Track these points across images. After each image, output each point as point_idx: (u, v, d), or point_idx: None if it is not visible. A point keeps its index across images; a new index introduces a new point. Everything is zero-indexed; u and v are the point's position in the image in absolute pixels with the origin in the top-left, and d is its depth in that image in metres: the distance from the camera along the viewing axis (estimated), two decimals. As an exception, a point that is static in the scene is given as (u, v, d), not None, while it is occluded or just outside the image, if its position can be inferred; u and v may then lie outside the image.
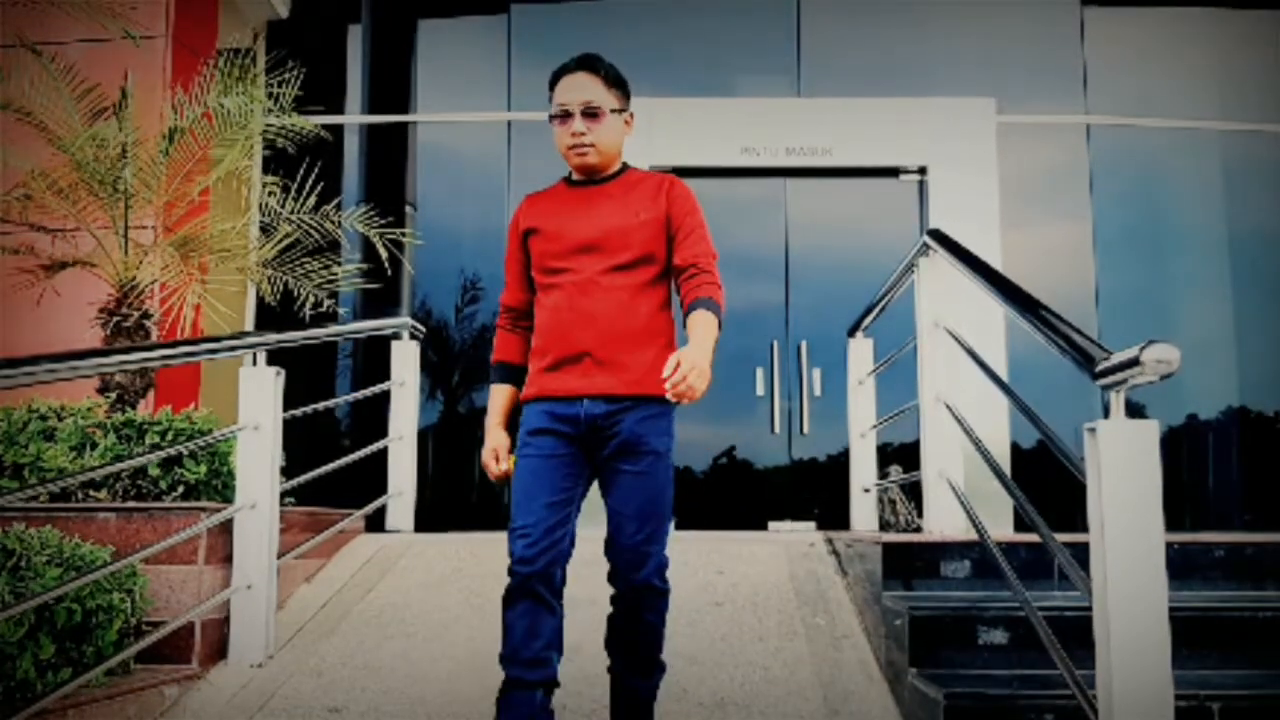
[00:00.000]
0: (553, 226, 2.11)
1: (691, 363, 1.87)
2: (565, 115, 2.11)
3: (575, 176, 2.18)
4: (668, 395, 1.86)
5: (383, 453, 3.99)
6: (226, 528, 2.85)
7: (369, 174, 6.03)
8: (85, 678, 2.29)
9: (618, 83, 2.15)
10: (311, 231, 4.60)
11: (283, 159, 5.04)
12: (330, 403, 4.23)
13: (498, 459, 2.19)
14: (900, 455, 5.09)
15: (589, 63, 2.14)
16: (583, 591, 3.17)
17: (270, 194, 4.61)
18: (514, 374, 2.23)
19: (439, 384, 5.75)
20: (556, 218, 2.12)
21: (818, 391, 5.52)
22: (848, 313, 4.22)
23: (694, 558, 3.46)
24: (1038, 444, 5.45)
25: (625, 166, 2.20)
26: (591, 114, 2.09)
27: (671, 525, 2.05)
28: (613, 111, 2.12)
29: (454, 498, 5.60)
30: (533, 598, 2.00)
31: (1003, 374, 5.06)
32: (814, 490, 5.52)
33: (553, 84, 2.17)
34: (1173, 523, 1.74)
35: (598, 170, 2.14)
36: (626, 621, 2.19)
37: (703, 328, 2.01)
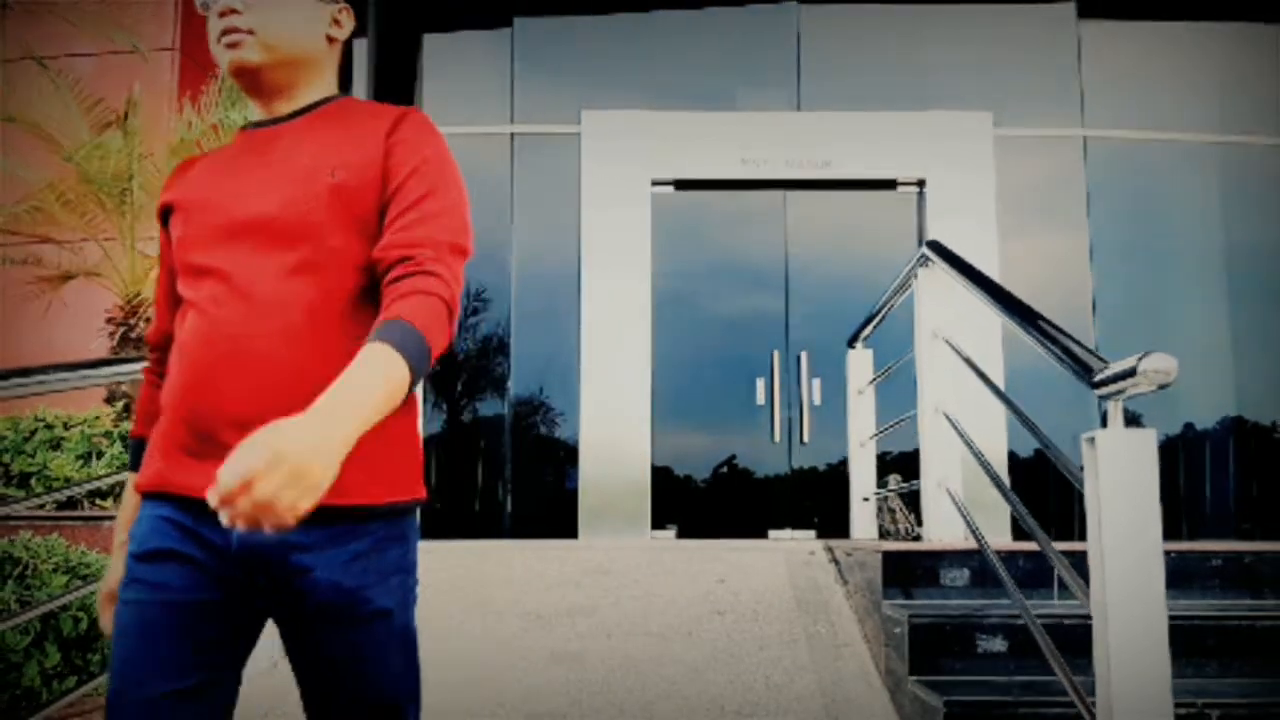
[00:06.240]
0: (196, 196, 1.22)
1: (281, 453, 0.88)
2: None
3: (255, 113, 1.28)
4: (221, 516, 0.90)
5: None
6: (231, 536, 2.86)
7: (371, 185, 6.06)
8: (90, 686, 2.30)
9: None
10: (316, 242, 4.62)
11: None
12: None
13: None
14: (900, 464, 5.11)
15: None
16: (583, 598, 3.19)
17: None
18: None
19: (442, 393, 5.78)
20: (206, 181, 1.23)
21: (817, 401, 5.54)
22: (847, 323, 4.24)
23: (695, 566, 3.48)
24: (1035, 453, 5.47)
25: (339, 96, 1.31)
26: None
27: None
28: None
29: (456, 506, 5.62)
30: None
31: (1000, 384, 5.08)
32: (814, 499, 5.53)
33: None
34: (1170, 531, 1.76)
35: (268, 86, 1.24)
36: None
37: (363, 374, 0.99)
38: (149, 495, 1.17)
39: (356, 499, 1.10)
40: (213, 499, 0.89)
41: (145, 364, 1.36)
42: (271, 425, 0.92)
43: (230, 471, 0.88)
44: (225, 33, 1.22)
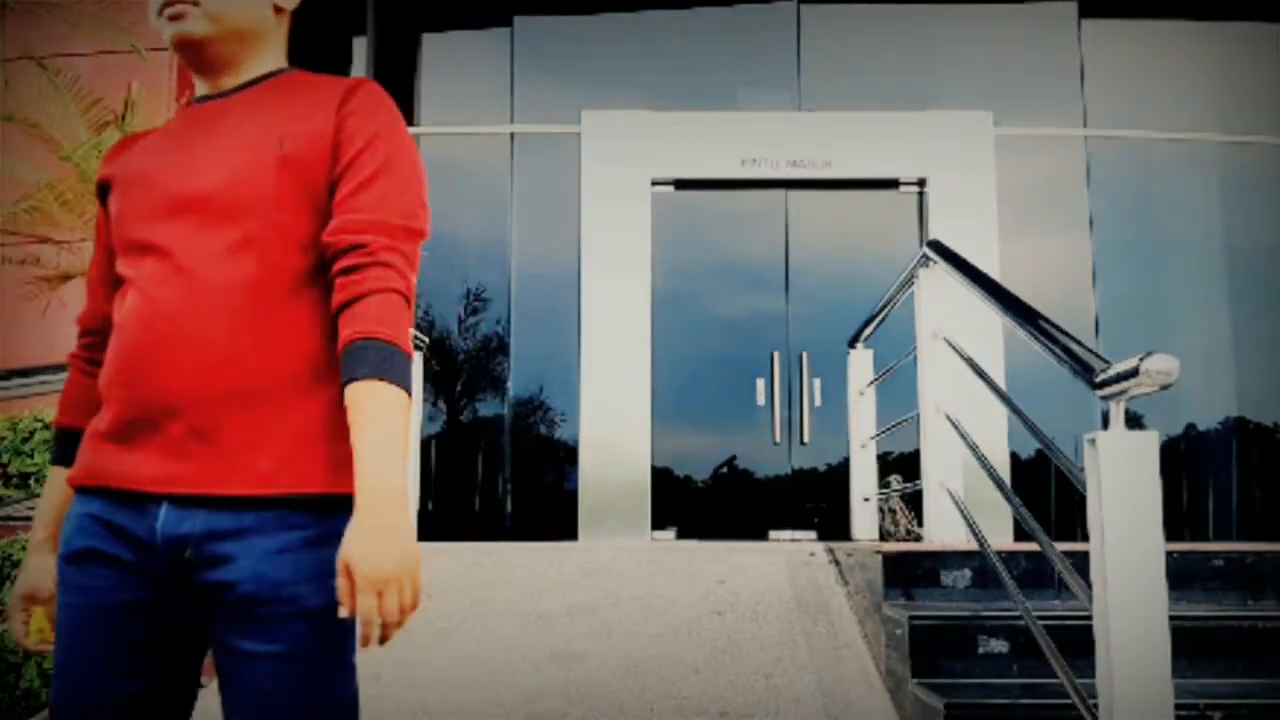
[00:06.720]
0: (137, 170, 1.16)
1: (374, 572, 0.98)
2: None
3: (200, 88, 1.22)
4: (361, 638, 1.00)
5: (385, 462, 4.01)
6: (230, 537, 2.85)
7: (371, 185, 6.05)
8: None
9: None
10: (315, 242, 4.61)
11: (286, 170, 5.06)
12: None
13: (28, 612, 1.20)
14: (900, 465, 5.10)
15: None
16: (583, 599, 3.18)
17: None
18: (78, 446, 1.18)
19: (442, 394, 5.77)
20: (147, 156, 1.18)
21: (818, 401, 5.54)
22: (848, 323, 4.24)
23: (695, 567, 3.47)
24: (1036, 454, 5.46)
25: (288, 69, 1.25)
26: None
27: None
28: None
29: (456, 507, 5.61)
30: None
31: (1001, 384, 5.08)
32: (815, 500, 5.53)
33: None
34: (1172, 532, 1.75)
35: (214, 59, 1.18)
36: None
37: (381, 442, 1.02)
38: (79, 489, 1.12)
39: (286, 488, 1.05)
40: (361, 645, 1.00)
41: (72, 350, 1.27)
42: (351, 550, 0.98)
43: (363, 618, 0.98)
44: (168, 4, 1.16)
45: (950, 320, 3.23)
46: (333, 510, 1.07)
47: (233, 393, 1.05)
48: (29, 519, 2.79)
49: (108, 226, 1.22)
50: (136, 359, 1.07)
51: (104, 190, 1.22)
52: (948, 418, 3.10)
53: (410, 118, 6.03)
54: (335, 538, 1.04)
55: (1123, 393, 1.70)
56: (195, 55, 1.18)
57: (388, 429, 1.03)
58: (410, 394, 1.08)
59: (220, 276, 1.07)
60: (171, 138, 1.18)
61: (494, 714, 2.53)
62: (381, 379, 1.04)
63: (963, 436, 2.91)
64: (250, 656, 1.04)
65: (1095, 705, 1.71)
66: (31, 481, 2.99)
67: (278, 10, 1.23)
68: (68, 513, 1.13)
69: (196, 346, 1.05)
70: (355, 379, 1.04)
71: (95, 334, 1.25)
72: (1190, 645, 2.33)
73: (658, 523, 5.45)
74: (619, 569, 3.44)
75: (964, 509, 2.88)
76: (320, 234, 1.10)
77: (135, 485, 1.06)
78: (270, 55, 1.23)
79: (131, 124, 4.12)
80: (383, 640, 1.00)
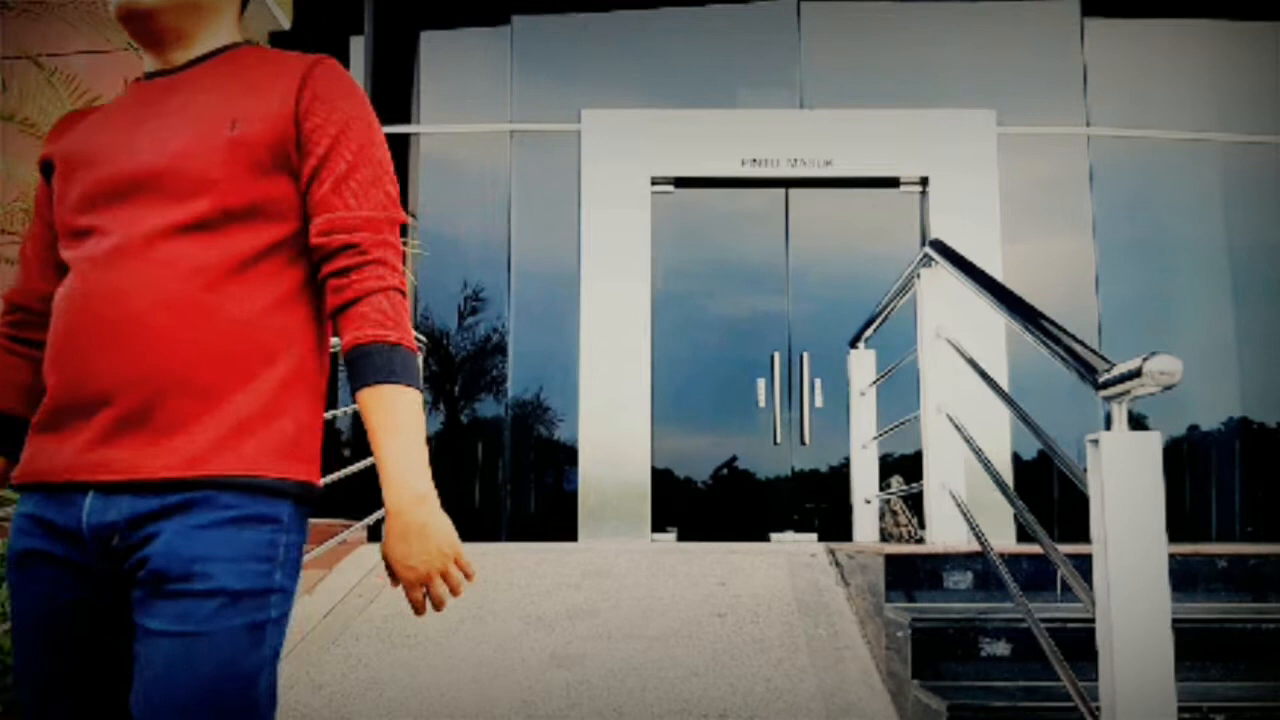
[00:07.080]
0: (81, 149, 1.12)
1: (412, 573, 1.03)
2: None
3: (149, 64, 1.17)
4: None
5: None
6: (228, 538, 2.84)
7: (371, 185, 6.03)
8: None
9: None
10: (314, 242, 4.60)
11: (285, 170, 5.04)
12: (332, 413, 4.23)
13: None
14: (902, 466, 5.08)
15: None
16: (583, 601, 3.17)
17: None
18: (3, 428, 1.20)
19: (440, 394, 5.76)
20: (92, 134, 1.13)
21: (819, 402, 5.52)
22: (849, 323, 4.22)
23: (696, 569, 3.46)
24: (1039, 455, 5.45)
25: (242, 44, 1.19)
26: None
27: None
28: None
29: (455, 508, 5.57)
30: None
31: (1003, 384, 5.06)
32: (816, 501, 5.51)
33: None
34: (1174, 534, 1.74)
35: (163, 32, 1.13)
36: None
37: (402, 447, 1.05)
38: (19, 489, 1.10)
39: (219, 470, 1.01)
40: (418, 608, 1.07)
41: None
42: (388, 554, 1.04)
43: (416, 609, 1.06)
44: None
45: (952, 320, 3.21)
46: (273, 495, 1.04)
47: (170, 377, 1.01)
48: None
49: (49, 203, 1.18)
50: (72, 342, 1.04)
51: (47, 168, 1.17)
52: (949, 418, 3.09)
53: (409, 117, 6.03)
54: (266, 521, 1.03)
55: (1126, 393, 1.69)
56: (143, 27, 1.13)
57: (407, 432, 1.06)
58: (421, 389, 1.10)
59: (163, 258, 1.03)
60: (118, 115, 1.13)
61: (493, 716, 2.52)
62: (394, 382, 1.06)
63: (965, 438, 2.89)
64: (157, 635, 0.98)
65: (1098, 708, 1.70)
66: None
67: None
68: (14, 513, 1.12)
69: (134, 330, 1.01)
70: (368, 384, 1.06)
71: (24, 310, 1.21)
72: (1193, 647, 2.31)
73: (658, 524, 5.43)
74: (619, 571, 3.43)
75: (966, 510, 2.87)
76: (265, 213, 1.07)
77: (65, 477, 1.03)
78: (223, 29, 1.17)
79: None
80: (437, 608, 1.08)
